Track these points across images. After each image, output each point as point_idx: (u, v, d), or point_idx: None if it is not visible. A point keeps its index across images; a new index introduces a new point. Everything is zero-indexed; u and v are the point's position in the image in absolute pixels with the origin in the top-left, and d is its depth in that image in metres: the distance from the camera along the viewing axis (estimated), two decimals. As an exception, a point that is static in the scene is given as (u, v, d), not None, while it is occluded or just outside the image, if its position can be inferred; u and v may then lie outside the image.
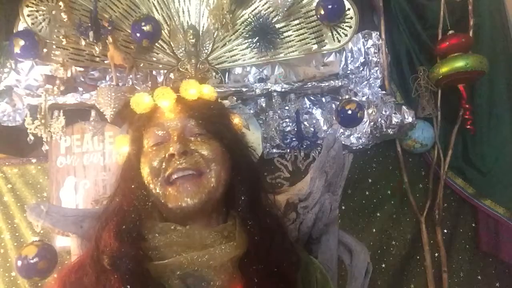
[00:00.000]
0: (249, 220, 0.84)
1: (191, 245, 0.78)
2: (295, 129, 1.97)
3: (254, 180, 0.90)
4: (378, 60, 2.05)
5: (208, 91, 0.92)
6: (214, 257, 0.76)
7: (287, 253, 0.85)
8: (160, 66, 1.91)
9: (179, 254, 0.76)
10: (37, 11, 1.73)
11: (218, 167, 0.83)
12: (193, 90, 0.89)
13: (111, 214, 0.83)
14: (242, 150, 0.92)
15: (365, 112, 1.91)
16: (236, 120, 1.00)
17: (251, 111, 1.97)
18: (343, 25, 1.88)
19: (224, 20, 1.86)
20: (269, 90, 1.91)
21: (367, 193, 2.09)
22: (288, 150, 1.98)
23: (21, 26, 1.77)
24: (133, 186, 0.84)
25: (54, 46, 1.75)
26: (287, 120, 1.99)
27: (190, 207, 0.78)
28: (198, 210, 0.80)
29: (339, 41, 1.89)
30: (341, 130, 2.03)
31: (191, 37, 1.85)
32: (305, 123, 2.02)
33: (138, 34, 1.69)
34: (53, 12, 1.71)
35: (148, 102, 0.88)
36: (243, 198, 0.86)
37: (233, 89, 1.87)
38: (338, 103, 1.91)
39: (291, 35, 1.91)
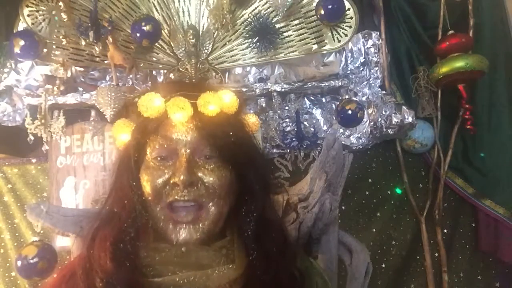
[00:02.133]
0: (251, 241, 0.78)
1: (187, 264, 0.75)
2: (295, 129, 1.96)
3: (264, 200, 0.83)
4: (378, 60, 2.05)
5: (229, 101, 0.81)
6: (211, 279, 0.73)
7: (290, 272, 0.81)
8: (160, 66, 1.91)
9: (174, 273, 0.73)
10: (37, 11, 1.72)
11: (221, 201, 0.77)
12: (213, 106, 0.78)
13: (107, 224, 0.78)
14: (256, 171, 0.82)
15: (365, 112, 1.91)
16: (253, 119, 0.90)
17: (251, 111, 1.97)
18: (343, 25, 1.88)
19: (224, 20, 1.86)
20: (269, 90, 1.91)
21: (367, 193, 2.09)
22: (288, 150, 1.98)
23: (21, 26, 1.77)
24: (132, 198, 0.78)
25: (54, 46, 1.75)
26: (287, 120, 1.99)
27: (187, 243, 0.75)
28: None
29: (339, 41, 1.89)
30: (341, 130, 2.02)
31: (191, 37, 1.85)
32: (305, 123, 2.02)
33: (138, 34, 1.69)
34: (53, 12, 1.71)
35: (159, 107, 0.77)
36: (248, 218, 0.80)
37: (233, 89, 1.86)
38: (338, 103, 1.91)
39: (291, 35, 1.91)
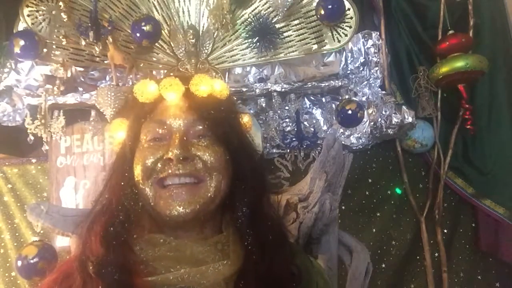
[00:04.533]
0: (247, 235, 0.77)
1: (181, 259, 0.73)
2: (295, 129, 1.97)
3: (258, 189, 0.82)
4: (378, 60, 2.05)
5: (220, 88, 0.83)
6: (206, 276, 0.71)
7: (287, 267, 0.79)
8: (160, 66, 1.90)
9: (168, 270, 0.71)
10: (37, 11, 1.73)
11: (220, 176, 0.75)
12: (204, 86, 0.79)
13: (99, 213, 0.78)
14: (248, 156, 0.83)
15: (365, 112, 1.92)
16: (246, 119, 0.91)
17: (251, 111, 1.97)
18: (343, 25, 1.88)
19: (224, 20, 1.86)
20: (269, 90, 1.91)
21: (367, 193, 2.09)
22: (288, 150, 1.98)
23: (21, 26, 1.77)
24: (123, 183, 0.77)
25: (54, 46, 1.75)
26: (287, 120, 1.99)
27: (181, 216, 0.72)
28: (190, 220, 0.73)
29: (339, 41, 1.89)
30: (341, 130, 2.03)
31: (191, 37, 1.85)
32: (305, 123, 2.02)
33: (138, 34, 1.69)
34: (53, 12, 1.71)
35: (153, 91, 0.79)
36: (243, 210, 0.79)
37: (233, 89, 1.87)
38: (338, 103, 1.91)
39: (291, 35, 1.91)
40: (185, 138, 0.75)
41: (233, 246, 0.76)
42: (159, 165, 0.74)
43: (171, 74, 1.89)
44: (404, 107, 1.98)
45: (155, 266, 0.72)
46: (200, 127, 0.77)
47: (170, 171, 0.73)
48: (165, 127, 0.76)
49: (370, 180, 2.10)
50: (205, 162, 0.75)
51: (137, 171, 0.75)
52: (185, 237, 0.75)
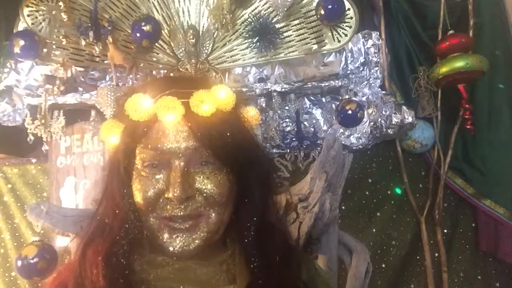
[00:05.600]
0: (253, 255, 0.73)
1: (185, 280, 0.70)
2: (295, 129, 1.96)
3: (265, 204, 0.77)
4: (378, 60, 2.05)
5: (225, 97, 0.73)
6: None
7: (294, 283, 0.75)
8: (160, 66, 1.91)
9: None
10: (37, 11, 1.73)
11: (222, 209, 0.70)
12: (206, 105, 0.69)
13: (98, 236, 0.73)
14: (255, 173, 0.76)
15: (365, 112, 1.91)
16: (252, 112, 0.82)
17: (251, 111, 1.96)
18: (343, 25, 1.88)
19: (224, 20, 1.86)
20: (269, 90, 1.91)
21: (367, 193, 2.09)
22: (288, 150, 1.98)
23: (21, 26, 1.77)
24: (124, 209, 0.72)
25: (54, 46, 1.75)
26: (287, 120, 1.99)
27: (185, 253, 0.68)
28: (195, 253, 0.70)
29: (339, 41, 1.89)
30: (341, 130, 2.02)
31: (191, 37, 1.85)
32: (305, 123, 2.02)
33: (138, 34, 1.69)
34: (53, 12, 1.71)
35: (148, 109, 0.69)
36: (250, 228, 0.74)
37: (233, 89, 1.86)
38: (338, 103, 1.91)
39: (291, 35, 1.91)
40: (186, 169, 0.68)
41: (239, 267, 0.73)
42: (161, 200, 0.69)
43: (171, 74, 1.89)
44: (404, 107, 1.98)
45: (157, 286, 0.70)
46: (203, 155, 0.69)
47: (172, 213, 0.68)
48: (163, 156, 0.69)
49: (370, 180, 2.10)
50: (207, 197, 0.69)
51: (138, 199, 0.70)
52: (188, 259, 0.71)
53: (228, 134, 0.71)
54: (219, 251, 0.76)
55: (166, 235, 0.68)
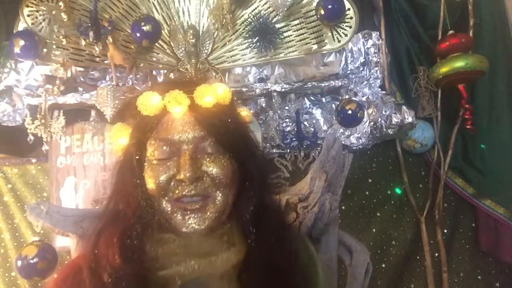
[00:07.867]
0: (251, 228, 0.81)
1: (190, 253, 0.77)
2: (295, 129, 1.97)
3: (263, 186, 0.86)
4: (378, 60, 2.05)
5: (223, 92, 0.83)
6: (216, 267, 0.76)
7: (289, 258, 0.82)
8: (160, 66, 1.91)
9: (178, 264, 0.75)
10: (37, 11, 1.72)
11: (227, 189, 0.79)
12: (209, 97, 0.80)
13: (111, 222, 0.80)
14: (253, 157, 0.85)
15: (365, 112, 1.92)
16: (244, 112, 0.93)
17: (251, 111, 1.97)
18: (343, 25, 1.88)
19: (224, 20, 1.86)
20: (269, 90, 1.92)
21: (367, 193, 2.09)
22: (288, 150, 1.98)
23: (21, 26, 1.77)
24: (137, 196, 0.79)
25: (54, 46, 1.75)
26: (287, 120, 1.99)
27: (196, 232, 0.77)
28: (204, 232, 0.78)
29: (339, 41, 1.89)
30: (341, 130, 2.03)
31: (191, 37, 1.85)
32: (305, 123, 2.02)
33: (138, 34, 1.69)
34: (53, 12, 1.71)
35: (157, 105, 0.79)
36: (249, 207, 0.83)
37: (233, 89, 1.87)
38: (338, 103, 1.91)
39: (291, 35, 1.91)
40: (193, 155, 0.77)
41: (237, 235, 0.81)
42: (172, 183, 0.77)
43: (171, 74, 1.89)
44: (404, 107, 1.98)
45: (165, 261, 0.76)
46: (208, 142, 0.78)
47: (184, 192, 0.76)
48: (173, 145, 0.78)
49: (370, 180, 2.10)
50: (213, 178, 0.77)
51: (151, 186, 0.78)
52: (193, 235, 0.79)
53: (228, 121, 0.81)
54: (219, 225, 0.82)
55: (179, 217, 0.76)
